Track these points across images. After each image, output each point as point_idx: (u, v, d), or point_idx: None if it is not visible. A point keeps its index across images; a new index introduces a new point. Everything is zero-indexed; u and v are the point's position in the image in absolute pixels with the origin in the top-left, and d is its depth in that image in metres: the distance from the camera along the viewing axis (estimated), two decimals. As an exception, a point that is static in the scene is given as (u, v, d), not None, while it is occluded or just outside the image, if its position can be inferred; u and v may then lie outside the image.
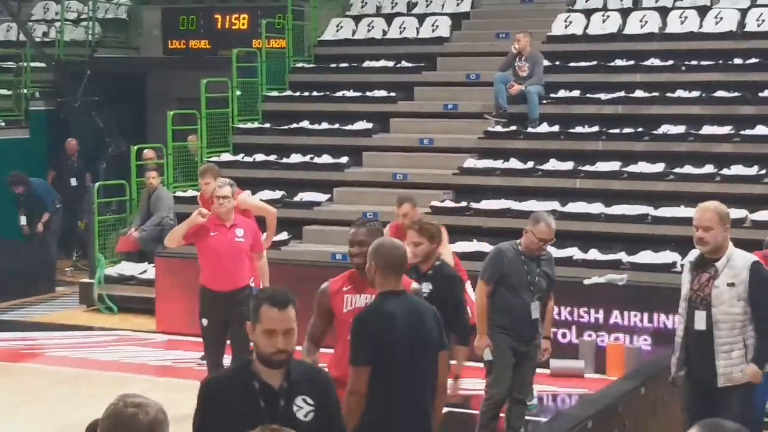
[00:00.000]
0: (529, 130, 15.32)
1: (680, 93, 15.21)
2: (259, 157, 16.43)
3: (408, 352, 6.00)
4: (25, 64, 19.47)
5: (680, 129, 14.61)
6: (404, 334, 6.00)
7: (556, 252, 13.03)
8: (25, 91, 19.41)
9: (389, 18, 18.58)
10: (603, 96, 15.49)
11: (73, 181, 18.20)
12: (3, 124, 18.88)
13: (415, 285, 7.08)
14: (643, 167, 14.17)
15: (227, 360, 10.04)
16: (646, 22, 16.66)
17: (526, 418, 8.94)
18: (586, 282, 12.17)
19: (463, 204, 14.47)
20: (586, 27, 16.97)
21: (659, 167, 14.12)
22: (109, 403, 4.16)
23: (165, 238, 10.36)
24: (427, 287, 7.80)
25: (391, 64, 17.69)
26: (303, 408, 4.81)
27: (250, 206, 12.01)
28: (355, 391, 5.94)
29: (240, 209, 11.90)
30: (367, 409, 6.02)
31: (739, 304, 7.14)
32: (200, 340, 11.57)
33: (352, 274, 6.83)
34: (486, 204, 14.35)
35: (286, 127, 16.90)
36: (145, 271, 15.06)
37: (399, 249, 6.25)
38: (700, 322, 7.23)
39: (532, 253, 8.61)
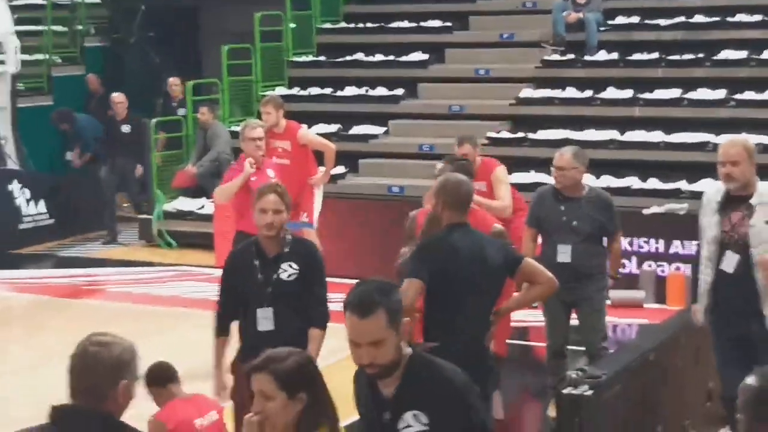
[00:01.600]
0: (587, 58, 15.10)
1: (741, 17, 14.89)
2: (314, 90, 16.35)
3: (467, 285, 6.05)
4: (80, 0, 19.48)
5: (742, 54, 14.32)
6: (465, 264, 6.06)
7: (614, 182, 12.96)
8: (80, 27, 19.42)
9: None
10: (662, 22, 15.21)
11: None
12: (59, 60, 18.91)
13: (497, 225, 7.11)
14: (703, 94, 13.93)
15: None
16: (706, -55, 16.31)
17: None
18: (646, 212, 12.03)
19: (521, 135, 14.34)
20: (645, -49, 16.64)
21: (720, 93, 13.87)
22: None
23: (216, 194, 10.19)
24: None
25: (445, -8, 17.48)
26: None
27: (310, 141, 11.96)
28: (404, 296, 6.01)
29: (299, 144, 11.89)
30: (427, 332, 6.10)
31: None
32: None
33: None
34: (543, 134, 14.21)
35: (340, 59, 16.79)
36: (203, 207, 15.11)
37: (463, 185, 6.36)
38: (733, 265, 6.85)
39: (566, 190, 8.17)
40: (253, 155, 9.99)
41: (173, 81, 17.01)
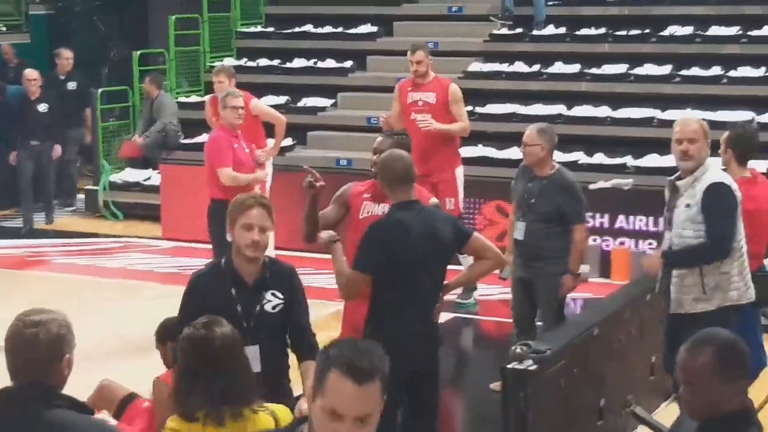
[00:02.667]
0: (535, 32, 15.14)
1: (688, -7, 15.00)
2: (263, 61, 16.28)
3: (420, 263, 6.07)
4: (25, -33, 19.28)
5: (688, 30, 14.42)
6: (417, 243, 6.06)
7: (561, 156, 12.99)
8: (25, -6, 19.22)
9: None
10: (609, -3, 15.29)
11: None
12: (3, 28, 18.65)
13: (434, 199, 7.11)
14: (649, 69, 14.02)
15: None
16: None
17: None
18: (592, 187, 12.04)
19: (468, 108, 14.29)
20: (593, -74, 16.68)
21: (666, 69, 13.97)
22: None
23: (224, 177, 9.99)
24: None
25: (395, -35, 17.44)
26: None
27: (262, 112, 11.96)
28: (349, 291, 6.14)
29: (252, 115, 11.86)
30: (374, 317, 6.11)
31: (692, 226, 6.78)
32: (206, 246, 11.61)
33: (375, 183, 6.84)
34: (491, 108, 14.25)
35: (289, 30, 16.72)
36: (149, 178, 15.04)
37: (400, 159, 6.29)
38: (665, 243, 7.04)
39: (533, 167, 8.18)
40: (233, 123, 10.13)
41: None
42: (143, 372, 6.27)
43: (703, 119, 7.41)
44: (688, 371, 3.76)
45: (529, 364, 6.23)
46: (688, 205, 6.83)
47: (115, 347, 9.55)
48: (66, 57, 15.94)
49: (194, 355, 4.62)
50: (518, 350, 6.38)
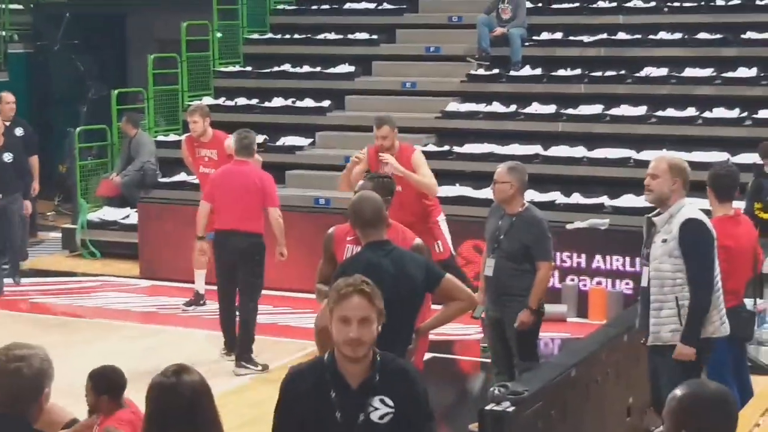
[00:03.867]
0: (512, 73, 15.27)
1: (662, 35, 15.17)
2: (241, 101, 16.35)
3: (388, 301, 6.05)
4: (3, 6, 19.27)
5: (663, 71, 14.59)
6: (386, 282, 6.06)
7: (538, 196, 13.11)
8: (3, 33, 19.21)
9: (370, -41, 18.42)
10: (586, 38, 15.45)
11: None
12: (-19, 67, 18.73)
13: (418, 240, 7.14)
14: (625, 110, 14.17)
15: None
16: (629, -37, 16.58)
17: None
18: (569, 227, 12.21)
19: (446, 148, 14.46)
20: (569, -32, 16.87)
21: (642, 110, 14.12)
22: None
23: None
24: None
25: (372, 5, 17.58)
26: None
27: None
28: (322, 327, 6.06)
29: (226, 153, 11.91)
30: None
31: (669, 260, 6.92)
32: (184, 285, 11.65)
33: None
34: (469, 148, 14.35)
35: (267, 70, 16.81)
36: (127, 216, 15.04)
37: (368, 201, 6.39)
38: (643, 279, 7.15)
39: (503, 205, 8.24)
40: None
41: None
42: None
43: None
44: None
45: (506, 406, 6.25)
46: (664, 240, 6.98)
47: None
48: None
49: (162, 403, 4.51)
50: (496, 392, 6.40)
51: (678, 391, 3.81)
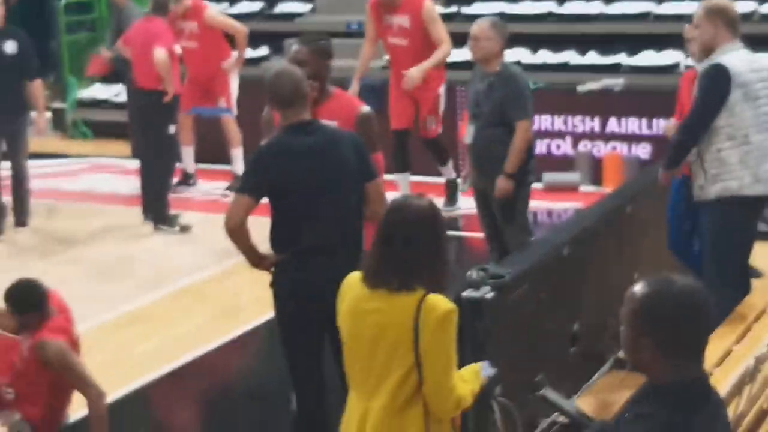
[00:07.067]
0: None
1: None
2: (237, -34, 15.39)
3: (310, 186, 5.42)
4: None
5: None
6: (304, 166, 5.40)
7: (550, 57, 12.24)
8: None
9: None
10: None
11: None
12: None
13: (364, 108, 6.33)
14: (645, -39, 13.11)
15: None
16: None
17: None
18: (580, 89, 11.31)
19: (453, 9, 13.54)
20: None
21: (663, -41, 13.07)
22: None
23: None
24: None
25: None
26: None
27: (218, 23, 11.34)
28: (228, 216, 5.45)
29: (207, 26, 11.22)
30: (276, 248, 5.56)
31: None
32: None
33: None
34: (477, 8, 13.40)
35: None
36: (119, 94, 14.25)
37: (285, 76, 5.60)
38: None
39: (483, 65, 7.62)
40: None
41: None
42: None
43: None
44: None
45: (485, 291, 5.49)
46: None
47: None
48: None
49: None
50: (474, 275, 5.63)
51: (637, 290, 3.04)
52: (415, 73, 9.83)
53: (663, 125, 7.08)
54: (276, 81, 5.57)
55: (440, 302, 4.29)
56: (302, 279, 5.49)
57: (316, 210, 5.45)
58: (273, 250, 5.56)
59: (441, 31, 9.95)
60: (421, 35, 10.13)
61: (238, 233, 5.42)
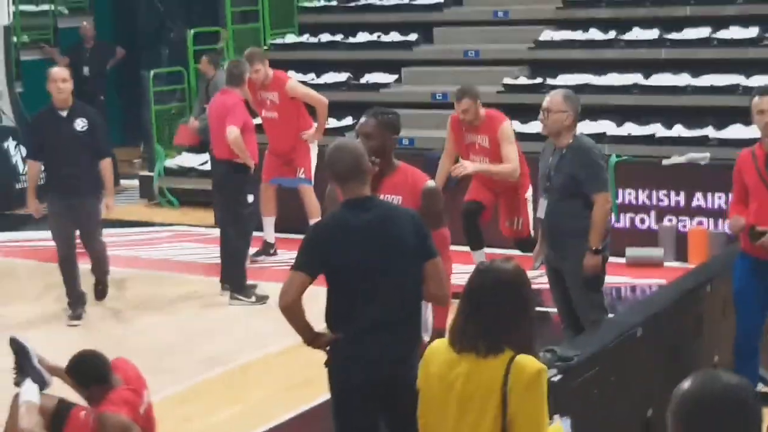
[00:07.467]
0: (611, -4, 14.10)
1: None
2: (325, 37, 15.48)
3: (365, 263, 5.25)
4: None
5: (776, -12, 13.24)
6: (360, 243, 5.25)
7: (636, 129, 12.06)
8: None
9: None
10: (691, -44, 14.14)
11: (86, 70, 15.53)
12: (66, 11, 18.20)
13: (430, 182, 6.22)
14: (734, 33, 12.89)
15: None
16: None
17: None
18: (666, 162, 11.09)
19: (539, 80, 13.41)
20: None
21: (753, 32, 12.83)
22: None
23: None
24: None
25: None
26: None
27: (298, 94, 11.37)
28: (283, 292, 5.31)
29: (288, 96, 11.27)
30: (332, 326, 5.40)
31: None
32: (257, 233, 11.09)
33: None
34: (563, 79, 13.23)
35: (353, 4, 15.89)
36: (205, 162, 14.34)
37: (346, 150, 5.43)
38: None
39: (554, 138, 7.37)
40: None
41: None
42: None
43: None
44: None
45: (553, 374, 5.32)
46: None
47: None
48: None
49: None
50: (541, 357, 5.47)
51: (683, 386, 2.88)
52: (469, 165, 9.68)
53: (728, 223, 6.64)
54: (335, 154, 5.42)
55: (529, 362, 4.20)
56: (358, 357, 5.32)
57: (373, 288, 5.27)
58: (328, 328, 5.42)
59: (511, 153, 9.73)
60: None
61: (291, 310, 5.27)
